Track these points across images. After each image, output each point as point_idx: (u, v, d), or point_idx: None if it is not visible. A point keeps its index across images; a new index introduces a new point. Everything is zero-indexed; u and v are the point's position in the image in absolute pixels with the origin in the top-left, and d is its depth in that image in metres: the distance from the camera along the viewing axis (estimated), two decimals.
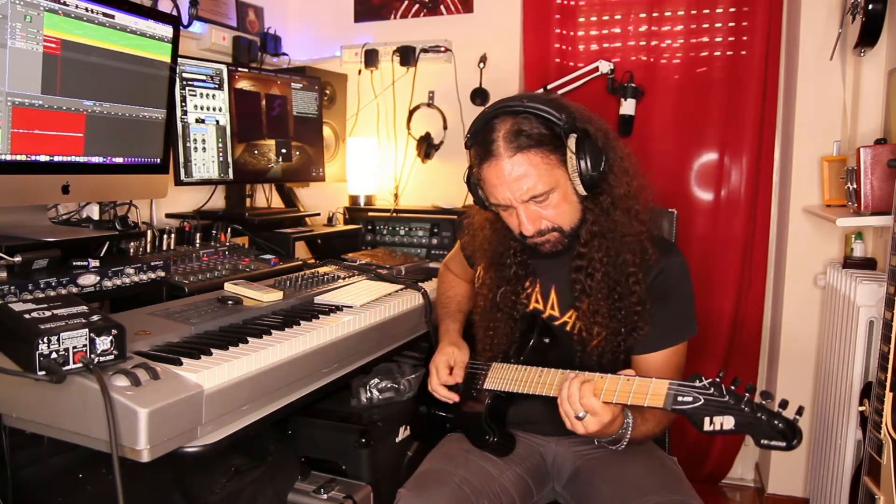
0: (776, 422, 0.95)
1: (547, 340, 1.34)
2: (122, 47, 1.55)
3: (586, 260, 1.29)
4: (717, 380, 1.00)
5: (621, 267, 1.27)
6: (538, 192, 1.22)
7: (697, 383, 1.01)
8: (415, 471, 1.36)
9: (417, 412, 1.55)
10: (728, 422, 0.98)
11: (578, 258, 1.30)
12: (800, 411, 0.96)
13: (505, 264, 1.39)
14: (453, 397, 1.41)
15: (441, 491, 1.25)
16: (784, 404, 0.97)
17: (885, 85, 2.02)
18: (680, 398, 1.02)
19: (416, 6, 2.74)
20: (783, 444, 0.95)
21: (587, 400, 1.10)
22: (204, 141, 1.98)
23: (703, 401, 0.99)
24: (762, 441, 0.96)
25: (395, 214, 2.51)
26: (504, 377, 1.32)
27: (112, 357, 1.08)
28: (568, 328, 1.36)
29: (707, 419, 0.98)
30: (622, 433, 1.19)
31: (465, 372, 1.43)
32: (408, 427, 1.88)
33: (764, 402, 0.97)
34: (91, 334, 1.05)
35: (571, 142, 1.21)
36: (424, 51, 2.65)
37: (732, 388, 0.99)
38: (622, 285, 1.28)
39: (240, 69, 2.12)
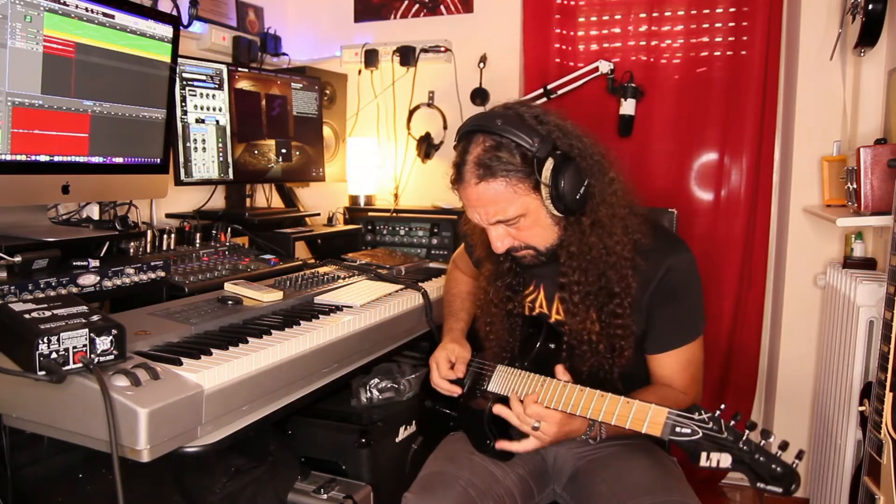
0: (774, 466, 0.94)
1: (553, 346, 1.33)
2: (122, 47, 1.55)
3: (567, 279, 1.29)
4: (717, 413, 0.99)
5: (605, 289, 1.27)
6: (506, 218, 1.22)
7: (696, 416, 0.99)
8: (418, 470, 1.36)
9: (423, 407, 1.54)
10: (725, 459, 0.96)
11: (562, 276, 1.30)
12: (799, 455, 0.94)
13: (500, 259, 1.39)
14: (455, 390, 1.40)
15: (447, 495, 1.24)
16: (784, 446, 0.95)
17: (885, 85, 2.02)
18: (678, 429, 1.00)
19: (416, 6, 2.74)
20: (780, 490, 0.93)
21: (531, 409, 1.16)
22: (204, 141, 1.98)
23: (700, 434, 0.98)
24: (758, 484, 0.94)
25: (395, 214, 2.51)
26: (507, 382, 1.31)
27: (112, 357, 1.08)
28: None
29: (704, 454, 0.97)
30: (594, 429, 1.22)
31: (466, 368, 1.42)
32: (408, 427, 1.88)
33: (763, 443, 0.96)
34: (91, 334, 1.05)
35: (546, 168, 1.18)
36: (424, 51, 2.65)
37: (732, 423, 0.98)
38: (607, 307, 1.27)
39: (240, 69, 2.12)
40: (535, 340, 1.34)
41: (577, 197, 1.20)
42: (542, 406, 1.17)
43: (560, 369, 1.21)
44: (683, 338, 1.31)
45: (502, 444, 1.25)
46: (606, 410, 1.09)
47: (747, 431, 0.97)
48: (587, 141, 1.26)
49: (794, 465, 0.94)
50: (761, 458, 0.94)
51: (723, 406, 1.00)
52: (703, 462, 0.97)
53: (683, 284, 1.30)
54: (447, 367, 1.41)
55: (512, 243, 1.28)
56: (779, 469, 0.93)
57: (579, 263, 1.27)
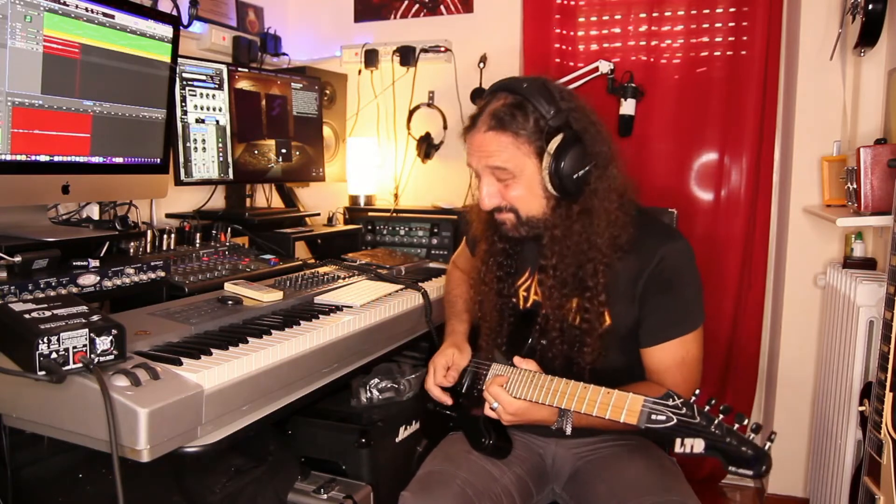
0: (745, 448, 0.93)
1: (545, 342, 1.33)
2: (122, 47, 1.55)
3: (546, 261, 1.30)
4: (692, 399, 0.98)
5: (580, 280, 1.27)
6: (499, 166, 1.26)
7: (670, 402, 0.98)
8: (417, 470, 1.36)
9: (426, 409, 1.55)
10: (698, 444, 0.95)
11: (543, 258, 1.31)
12: (771, 437, 0.94)
13: (494, 239, 1.40)
14: (446, 400, 1.41)
15: (444, 494, 1.25)
16: (757, 429, 0.94)
17: (885, 85, 2.02)
18: (654, 416, 0.99)
19: (416, 6, 2.74)
20: (750, 472, 0.92)
21: (492, 389, 1.22)
22: (204, 141, 1.98)
23: (675, 420, 0.97)
24: (730, 467, 0.94)
25: (395, 214, 2.51)
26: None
27: (112, 357, 1.08)
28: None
29: (678, 440, 0.96)
30: (561, 421, 1.22)
31: (461, 375, 1.43)
32: (408, 427, 1.88)
33: (736, 426, 0.95)
34: (91, 334, 1.05)
35: (555, 141, 1.21)
36: (424, 51, 2.65)
37: (706, 408, 0.97)
38: (579, 299, 1.28)
39: (240, 69, 2.12)
40: (527, 336, 1.34)
41: (575, 178, 1.22)
42: (504, 392, 1.21)
43: (517, 359, 1.25)
44: (677, 329, 1.27)
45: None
46: (589, 400, 1.09)
47: (721, 416, 0.96)
48: (601, 129, 1.29)
49: (767, 448, 0.93)
50: (733, 442, 0.93)
51: (697, 391, 0.99)
52: (678, 448, 0.96)
53: (678, 273, 1.28)
54: (443, 373, 1.42)
55: (499, 202, 1.30)
56: (749, 451, 0.93)
57: (560, 249, 1.28)
